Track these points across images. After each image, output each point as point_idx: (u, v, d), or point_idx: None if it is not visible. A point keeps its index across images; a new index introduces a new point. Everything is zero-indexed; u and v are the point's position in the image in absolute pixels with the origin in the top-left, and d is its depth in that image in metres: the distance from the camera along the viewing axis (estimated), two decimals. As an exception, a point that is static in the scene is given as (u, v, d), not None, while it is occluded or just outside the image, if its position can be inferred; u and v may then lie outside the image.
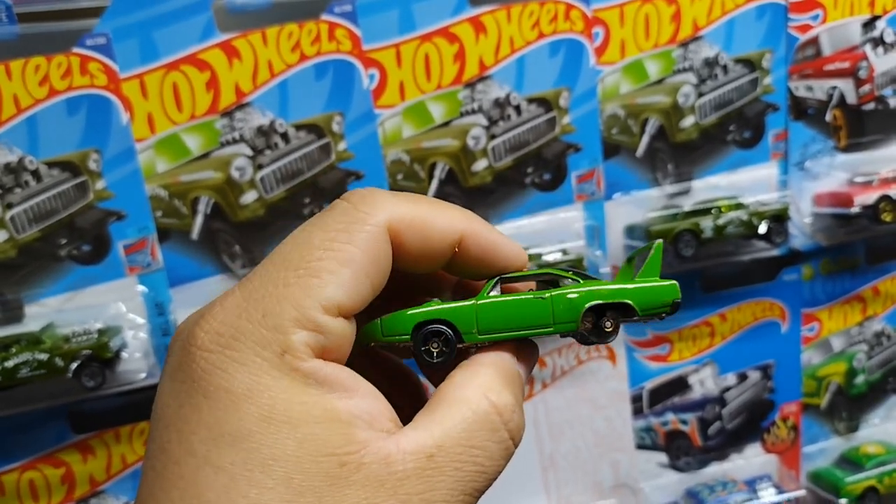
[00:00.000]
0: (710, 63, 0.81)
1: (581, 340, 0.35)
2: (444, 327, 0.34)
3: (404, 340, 0.34)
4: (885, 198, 0.81)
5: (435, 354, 0.34)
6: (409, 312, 0.34)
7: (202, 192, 0.71)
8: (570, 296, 0.34)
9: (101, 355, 0.66)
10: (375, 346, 0.35)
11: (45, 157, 0.67)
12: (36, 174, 0.67)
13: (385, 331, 0.34)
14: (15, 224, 0.68)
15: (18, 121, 0.66)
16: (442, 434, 0.29)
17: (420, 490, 0.28)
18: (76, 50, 0.66)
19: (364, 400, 0.29)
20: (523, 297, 0.34)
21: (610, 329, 0.35)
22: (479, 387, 0.31)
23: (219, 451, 0.27)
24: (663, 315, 0.36)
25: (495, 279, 0.35)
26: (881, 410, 0.97)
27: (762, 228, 0.80)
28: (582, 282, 0.35)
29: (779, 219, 0.81)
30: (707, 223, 0.79)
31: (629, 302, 0.35)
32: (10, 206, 0.67)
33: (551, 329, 0.34)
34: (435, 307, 0.34)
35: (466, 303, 0.34)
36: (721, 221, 0.79)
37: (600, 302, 0.34)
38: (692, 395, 0.90)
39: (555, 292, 0.34)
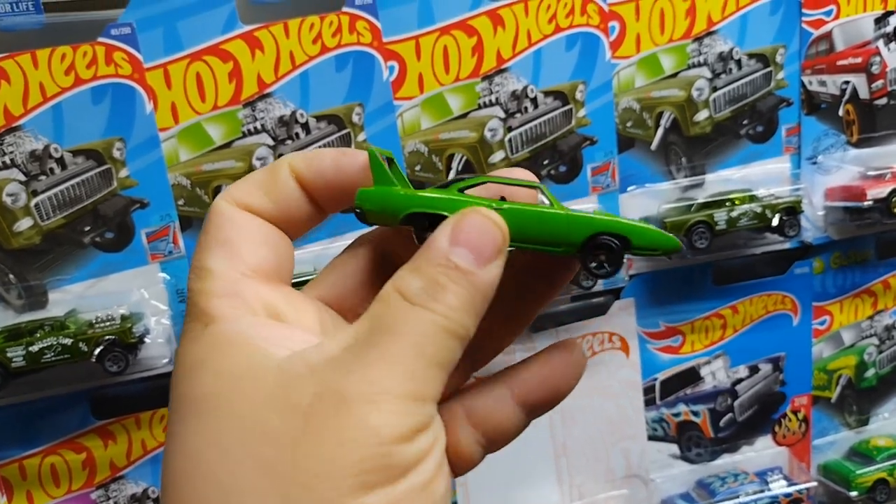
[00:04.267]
0: (724, 57, 0.82)
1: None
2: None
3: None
4: (898, 191, 0.82)
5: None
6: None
7: (224, 180, 0.72)
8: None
9: (125, 340, 0.67)
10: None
11: (69, 145, 0.68)
12: (61, 162, 0.68)
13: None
14: (39, 211, 0.68)
15: (44, 109, 0.67)
16: (358, 326, 0.29)
17: (347, 371, 0.28)
18: (101, 39, 0.67)
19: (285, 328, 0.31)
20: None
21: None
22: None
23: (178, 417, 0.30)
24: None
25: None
26: (891, 404, 0.98)
27: (775, 221, 0.81)
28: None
29: (792, 211, 0.81)
30: (721, 215, 0.79)
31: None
32: (35, 193, 0.68)
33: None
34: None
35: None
36: (734, 213, 0.80)
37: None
38: (704, 387, 0.90)
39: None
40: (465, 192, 0.34)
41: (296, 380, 0.28)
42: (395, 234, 0.35)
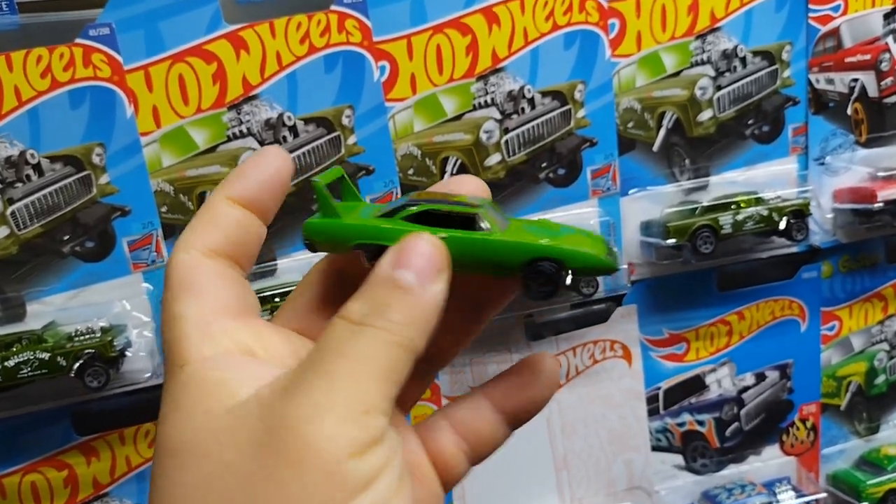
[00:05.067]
0: (728, 55, 0.79)
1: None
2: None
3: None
4: (910, 192, 0.79)
5: None
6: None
7: (208, 187, 0.69)
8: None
9: (105, 354, 0.65)
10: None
11: (47, 151, 0.65)
12: (38, 168, 0.65)
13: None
14: (16, 220, 0.66)
15: (20, 113, 0.64)
16: (306, 355, 0.30)
17: (290, 397, 0.28)
18: (79, 41, 0.64)
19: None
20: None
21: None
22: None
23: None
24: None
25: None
26: (902, 411, 0.95)
27: (782, 224, 0.78)
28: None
29: (799, 214, 0.78)
30: (726, 219, 0.77)
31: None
32: (11, 201, 0.65)
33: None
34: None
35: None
36: (740, 217, 0.77)
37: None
38: (709, 396, 0.88)
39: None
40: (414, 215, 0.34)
41: (248, 415, 0.28)
42: (349, 258, 0.35)
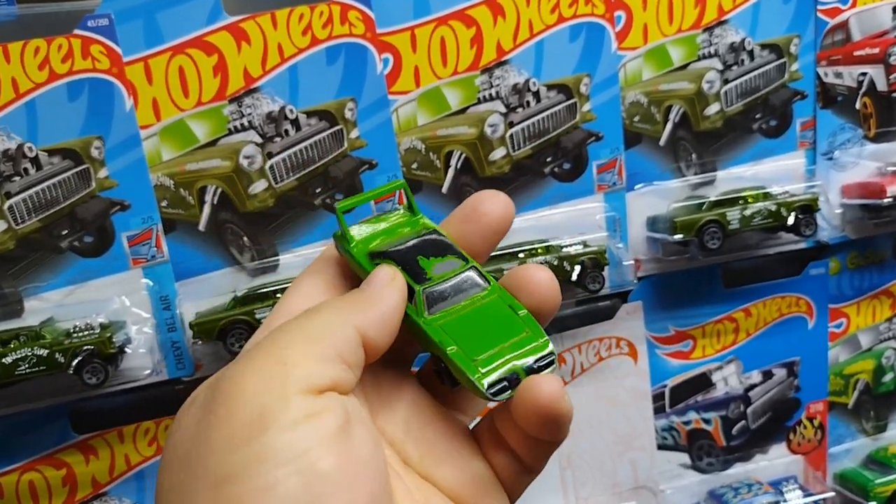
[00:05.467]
0: (736, 48, 0.78)
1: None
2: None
3: None
4: (920, 187, 0.78)
5: None
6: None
7: (209, 181, 0.68)
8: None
9: (104, 351, 0.63)
10: None
11: (44, 145, 0.64)
12: (35, 162, 0.64)
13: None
14: (13, 214, 0.65)
15: (17, 106, 0.63)
16: None
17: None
18: (77, 32, 0.63)
19: None
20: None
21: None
22: None
23: None
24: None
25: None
26: (910, 410, 0.94)
27: (791, 219, 0.77)
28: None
29: (808, 209, 0.77)
30: (734, 214, 0.76)
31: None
32: (8, 195, 0.64)
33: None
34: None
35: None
36: (748, 212, 0.76)
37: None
38: (715, 394, 0.87)
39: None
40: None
41: (207, 385, 0.33)
42: None
